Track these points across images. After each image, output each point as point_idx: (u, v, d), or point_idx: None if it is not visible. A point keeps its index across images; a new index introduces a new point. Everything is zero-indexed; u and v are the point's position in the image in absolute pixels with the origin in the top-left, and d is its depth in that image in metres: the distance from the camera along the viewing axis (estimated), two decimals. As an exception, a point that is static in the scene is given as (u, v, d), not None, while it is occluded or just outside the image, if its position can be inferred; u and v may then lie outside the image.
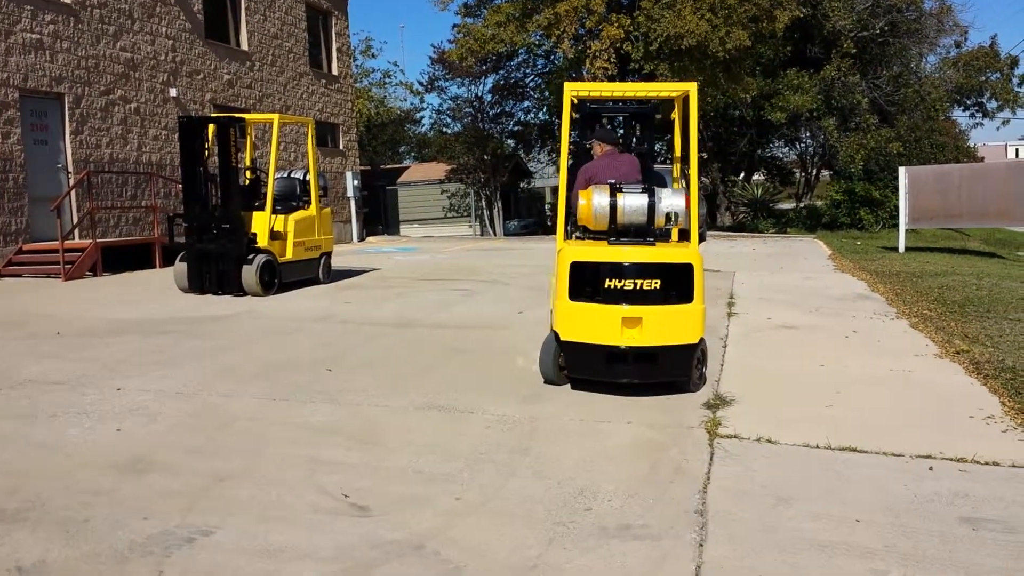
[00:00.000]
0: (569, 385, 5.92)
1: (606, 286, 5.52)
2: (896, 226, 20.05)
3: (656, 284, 5.48)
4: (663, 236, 5.94)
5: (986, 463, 4.29)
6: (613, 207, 5.64)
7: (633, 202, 5.64)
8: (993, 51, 30.17)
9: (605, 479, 4.08)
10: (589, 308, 5.58)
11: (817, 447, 4.53)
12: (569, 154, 7.03)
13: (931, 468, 4.24)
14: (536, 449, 4.58)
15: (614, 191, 5.67)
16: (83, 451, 4.62)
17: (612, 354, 5.53)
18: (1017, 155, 62.45)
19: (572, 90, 6.27)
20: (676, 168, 7.26)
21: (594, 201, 5.68)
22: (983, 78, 29.86)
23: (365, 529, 3.55)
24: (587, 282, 5.60)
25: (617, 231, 5.70)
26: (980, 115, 31.66)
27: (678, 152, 7.30)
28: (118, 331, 8.33)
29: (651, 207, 5.65)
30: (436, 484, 4.06)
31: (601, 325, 5.52)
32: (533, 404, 5.48)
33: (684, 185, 6.83)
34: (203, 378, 6.25)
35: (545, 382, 5.97)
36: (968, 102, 31.39)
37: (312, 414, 5.31)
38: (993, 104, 30.87)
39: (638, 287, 5.47)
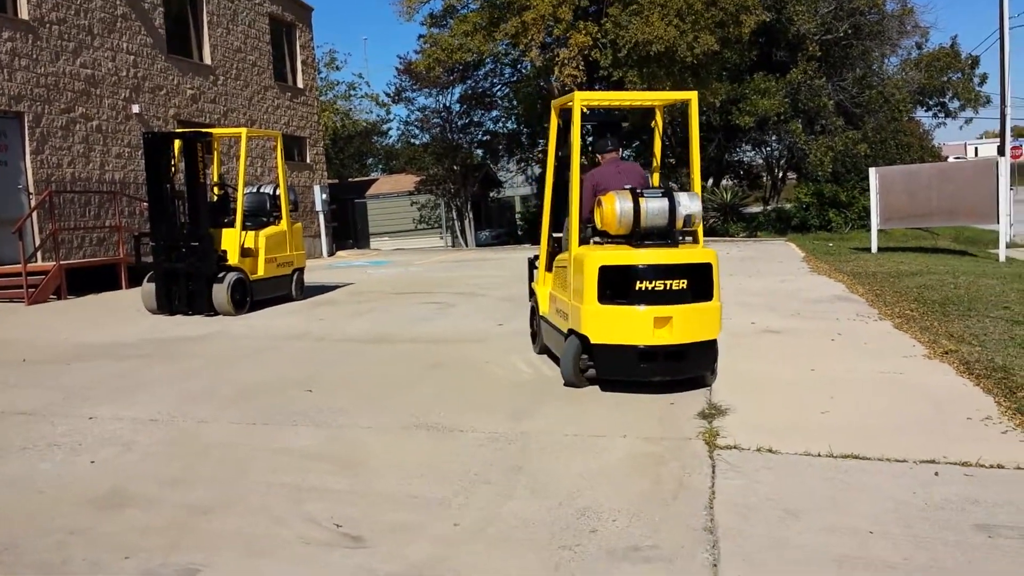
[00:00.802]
0: (568, 393, 5.93)
1: (637, 288, 5.60)
2: (865, 227, 20.20)
3: (683, 284, 5.66)
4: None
5: (991, 466, 4.21)
6: (636, 211, 5.73)
7: (655, 206, 5.79)
8: (954, 51, 30.54)
9: (606, 497, 3.93)
10: (621, 310, 5.65)
11: (819, 455, 4.42)
12: (556, 159, 7.08)
13: (936, 473, 4.14)
14: (531, 467, 4.42)
15: (635, 196, 5.77)
16: (57, 486, 4.38)
17: (644, 354, 5.63)
18: (977, 154, 63.48)
19: (583, 99, 6.34)
20: (655, 177, 7.19)
21: (617, 206, 5.76)
22: (945, 78, 30.18)
23: (359, 561, 3.36)
24: (615, 285, 5.67)
25: (640, 234, 5.79)
26: (943, 115, 32.00)
27: (658, 161, 7.29)
28: (86, 356, 8.05)
29: (671, 210, 5.79)
30: (430, 509, 3.88)
31: (633, 326, 5.63)
32: (523, 420, 5.32)
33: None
34: (177, 403, 6.02)
35: (565, 384, 6.03)
36: (931, 102, 31.71)
37: (294, 438, 5.11)
38: (955, 104, 31.23)
39: (667, 287, 5.62)
